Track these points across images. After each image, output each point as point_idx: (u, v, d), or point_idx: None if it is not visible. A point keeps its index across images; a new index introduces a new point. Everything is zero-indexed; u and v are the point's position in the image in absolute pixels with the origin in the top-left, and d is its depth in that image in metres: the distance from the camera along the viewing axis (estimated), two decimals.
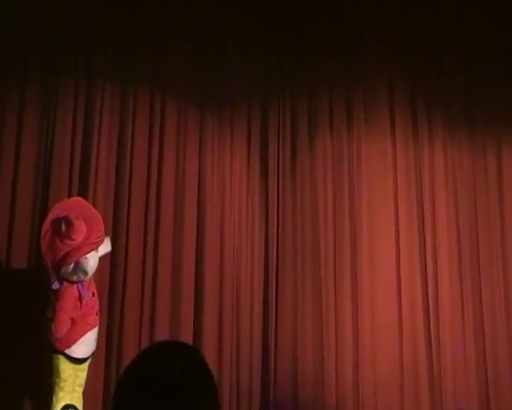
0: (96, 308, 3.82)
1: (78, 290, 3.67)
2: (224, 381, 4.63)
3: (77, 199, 4.06)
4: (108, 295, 4.42)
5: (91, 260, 3.70)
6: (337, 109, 5.28)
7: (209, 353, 4.57)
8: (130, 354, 4.24)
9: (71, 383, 3.69)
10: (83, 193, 4.38)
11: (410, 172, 5.22)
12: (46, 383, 3.81)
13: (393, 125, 5.27)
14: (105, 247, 3.94)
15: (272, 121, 5.19)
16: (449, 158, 5.28)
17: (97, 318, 3.83)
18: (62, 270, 3.62)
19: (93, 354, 3.86)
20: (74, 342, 3.62)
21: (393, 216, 5.14)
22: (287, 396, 4.79)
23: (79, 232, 3.65)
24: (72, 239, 3.63)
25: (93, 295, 3.82)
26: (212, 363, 4.39)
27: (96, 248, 3.73)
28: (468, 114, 5.36)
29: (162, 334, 4.46)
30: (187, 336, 4.54)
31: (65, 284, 3.66)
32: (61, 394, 3.66)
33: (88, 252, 3.65)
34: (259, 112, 5.18)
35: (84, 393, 3.89)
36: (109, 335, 4.38)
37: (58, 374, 3.66)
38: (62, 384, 3.66)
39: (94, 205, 4.23)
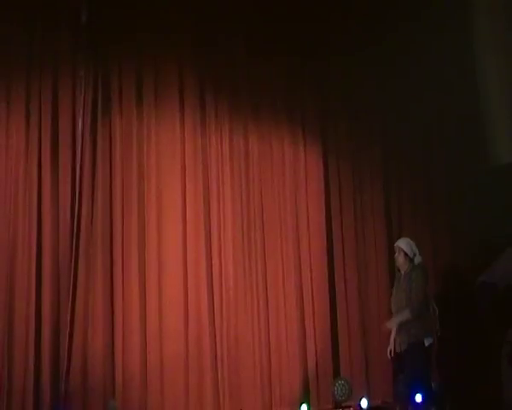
0: None
1: None
2: None
3: None
4: None
5: None
6: (127, 91, 5.22)
7: None
8: None
9: None
10: None
11: (198, 156, 5.33)
12: None
13: (183, 109, 5.34)
14: None
15: (61, 100, 5.03)
16: (235, 143, 5.47)
17: None
18: None
19: None
20: None
21: (181, 199, 5.23)
22: (77, 383, 4.73)
23: None
24: None
25: None
26: None
27: None
28: (254, 103, 5.56)
29: None
30: None
31: None
32: None
33: None
34: (51, 90, 5.01)
35: None
36: None
37: None
38: None
39: None
